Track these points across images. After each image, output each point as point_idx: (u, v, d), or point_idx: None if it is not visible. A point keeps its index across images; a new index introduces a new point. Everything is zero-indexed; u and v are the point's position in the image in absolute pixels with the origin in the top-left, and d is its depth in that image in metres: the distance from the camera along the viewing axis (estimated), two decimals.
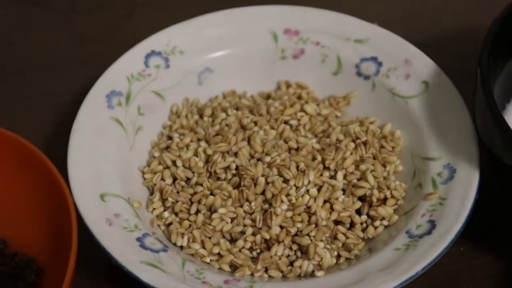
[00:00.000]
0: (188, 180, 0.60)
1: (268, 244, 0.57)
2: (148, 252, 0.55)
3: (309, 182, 0.58)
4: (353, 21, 0.67)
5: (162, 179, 0.60)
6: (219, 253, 0.57)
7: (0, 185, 0.56)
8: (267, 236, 0.56)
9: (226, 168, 0.59)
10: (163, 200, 0.59)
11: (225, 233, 0.57)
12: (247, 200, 0.58)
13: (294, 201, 0.57)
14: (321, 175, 0.59)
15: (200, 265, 0.55)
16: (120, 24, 0.75)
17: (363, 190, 0.58)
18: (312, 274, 0.55)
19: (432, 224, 0.55)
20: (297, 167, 0.59)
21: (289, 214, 0.57)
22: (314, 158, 0.60)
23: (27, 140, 0.55)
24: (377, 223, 0.58)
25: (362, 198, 0.59)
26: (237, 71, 0.66)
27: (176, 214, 0.58)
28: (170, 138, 0.63)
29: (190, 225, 0.58)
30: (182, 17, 0.68)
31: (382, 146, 0.62)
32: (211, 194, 0.58)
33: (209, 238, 0.57)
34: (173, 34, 0.66)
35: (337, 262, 0.57)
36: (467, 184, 0.56)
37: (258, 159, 0.59)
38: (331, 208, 0.58)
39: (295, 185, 0.58)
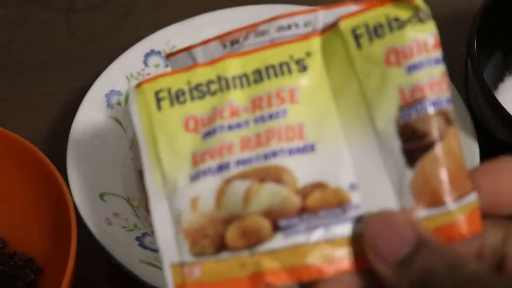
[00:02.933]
0: None
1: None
2: (148, 251, 0.55)
3: None
4: None
5: None
6: None
7: None
8: None
9: None
10: None
11: None
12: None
13: None
14: None
15: None
16: (119, 23, 0.75)
17: None
18: None
19: None
20: None
21: None
22: None
23: (26, 140, 0.55)
24: None
25: None
26: None
27: None
28: None
29: None
30: (182, 16, 0.68)
31: None
32: None
33: None
34: (172, 34, 0.66)
35: None
36: None
37: None
38: None
39: None
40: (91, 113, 0.61)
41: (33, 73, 0.71)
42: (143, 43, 0.65)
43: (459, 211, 0.34)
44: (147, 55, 0.65)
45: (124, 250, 0.54)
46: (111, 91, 0.63)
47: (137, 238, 0.56)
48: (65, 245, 0.50)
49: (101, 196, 0.57)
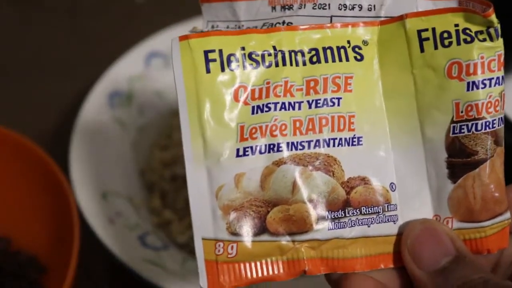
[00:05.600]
0: None
1: None
2: (149, 250, 0.55)
3: None
4: None
5: (162, 177, 0.61)
6: None
7: (3, 184, 0.56)
8: None
9: None
10: (163, 198, 0.60)
11: None
12: None
13: None
14: None
15: None
16: (121, 25, 0.75)
17: None
18: None
19: None
20: None
21: None
22: None
23: (29, 140, 0.55)
24: None
25: None
26: None
27: (176, 212, 0.59)
28: (169, 137, 0.63)
29: (190, 223, 0.58)
30: (183, 17, 0.68)
31: None
32: None
33: None
34: (173, 34, 0.66)
35: None
36: None
37: None
38: None
39: None
40: (93, 114, 0.61)
41: (35, 74, 0.71)
42: (144, 44, 0.66)
43: (490, 229, 0.35)
44: (149, 56, 0.65)
45: (126, 249, 0.54)
46: (113, 91, 0.63)
47: (139, 237, 0.56)
48: (68, 244, 0.50)
49: (103, 195, 0.57)
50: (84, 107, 0.62)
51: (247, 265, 0.34)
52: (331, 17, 0.37)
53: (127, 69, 0.64)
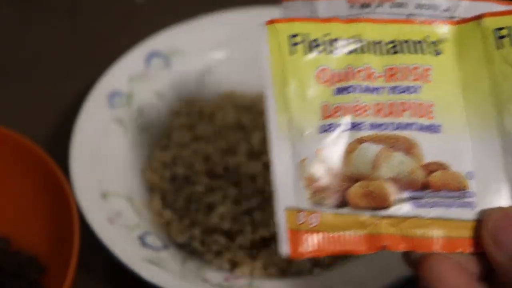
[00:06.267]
0: (187, 178, 0.60)
1: (267, 242, 0.57)
2: (149, 250, 0.55)
3: None
4: None
5: (162, 177, 0.61)
6: (219, 251, 0.57)
7: (3, 184, 0.56)
8: (267, 234, 0.57)
9: (225, 167, 0.60)
10: (163, 198, 0.60)
11: (224, 230, 0.58)
12: (246, 198, 0.58)
13: None
14: None
15: (200, 262, 0.56)
16: (121, 25, 0.75)
17: None
18: (310, 271, 0.56)
19: None
20: None
21: None
22: None
23: (29, 140, 0.55)
24: None
25: None
26: (237, 72, 0.67)
27: (176, 212, 0.59)
28: (169, 137, 0.63)
29: (190, 223, 0.58)
30: (183, 17, 0.68)
31: None
32: (211, 192, 0.59)
33: (209, 236, 0.57)
34: (174, 34, 0.66)
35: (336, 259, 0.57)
36: None
37: (257, 158, 0.60)
38: None
39: None
40: (93, 114, 0.61)
41: (36, 74, 0.71)
42: (144, 44, 0.66)
43: None
44: (149, 56, 0.65)
45: (126, 249, 0.54)
46: (113, 91, 0.63)
47: (139, 237, 0.56)
48: (68, 244, 0.50)
49: (103, 195, 0.57)
50: (84, 107, 0.62)
51: (328, 235, 0.35)
52: (408, 15, 0.38)
53: (127, 69, 0.64)
